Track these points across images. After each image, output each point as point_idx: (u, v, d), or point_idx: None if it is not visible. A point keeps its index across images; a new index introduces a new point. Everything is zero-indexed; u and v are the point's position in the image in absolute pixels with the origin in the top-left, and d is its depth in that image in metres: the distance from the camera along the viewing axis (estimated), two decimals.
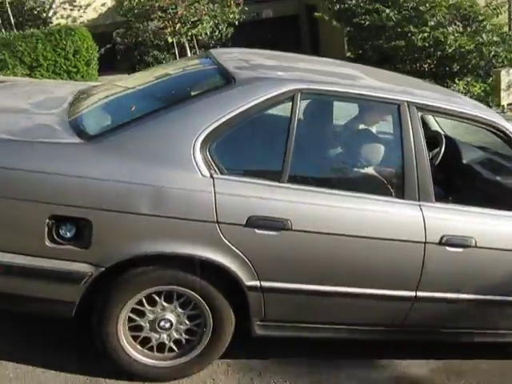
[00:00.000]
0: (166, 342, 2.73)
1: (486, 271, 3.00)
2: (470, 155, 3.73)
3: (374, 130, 3.19)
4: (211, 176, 2.55)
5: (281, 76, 2.79)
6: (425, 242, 2.82)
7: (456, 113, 3.01)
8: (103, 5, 13.03)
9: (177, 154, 2.56)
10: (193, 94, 2.83)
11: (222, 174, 2.58)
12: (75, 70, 10.34)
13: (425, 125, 4.03)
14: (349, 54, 12.14)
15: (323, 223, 2.67)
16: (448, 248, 2.87)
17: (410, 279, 2.87)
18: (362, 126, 3.25)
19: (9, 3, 10.47)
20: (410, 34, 10.32)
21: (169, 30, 11.37)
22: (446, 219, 2.90)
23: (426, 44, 10.44)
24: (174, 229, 2.52)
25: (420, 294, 2.90)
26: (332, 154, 3.06)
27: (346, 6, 11.22)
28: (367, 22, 10.64)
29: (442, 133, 3.78)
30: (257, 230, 2.57)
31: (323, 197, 2.69)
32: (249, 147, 2.78)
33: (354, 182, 2.97)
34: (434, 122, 3.85)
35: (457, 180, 3.73)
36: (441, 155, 3.62)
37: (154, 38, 11.59)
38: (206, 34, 11.36)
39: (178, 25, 11.03)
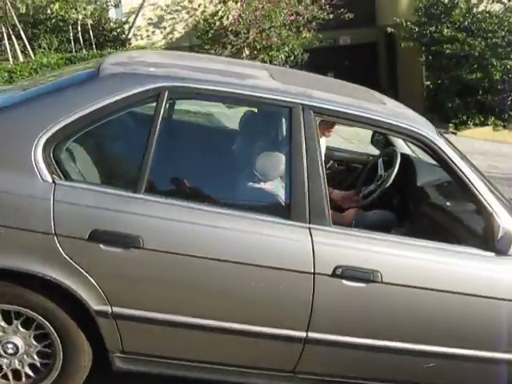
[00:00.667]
0: (20, 368, 2.42)
1: (395, 313, 2.47)
2: (425, 176, 3.22)
3: (259, 136, 2.77)
4: (53, 181, 2.26)
5: (149, 72, 2.45)
6: (313, 273, 2.36)
7: (366, 120, 2.53)
8: (182, 27, 13.21)
9: (16, 156, 2.29)
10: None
11: (66, 179, 2.28)
12: None
13: (389, 144, 3.58)
14: (428, 83, 11.52)
15: (183, 243, 2.29)
16: (345, 282, 2.38)
17: (299, 317, 2.40)
18: (245, 132, 2.83)
19: (91, 25, 10.69)
20: (489, 66, 9.68)
21: (243, 54, 11.30)
22: (343, 247, 2.41)
23: (506, 77, 9.86)
24: (10, 240, 2.25)
25: (312, 335, 2.42)
26: (205, 162, 2.67)
27: (427, 33, 10.66)
28: (448, 51, 10.03)
29: (399, 151, 3.28)
30: (102, 246, 2.24)
31: (187, 212, 2.31)
32: (102, 150, 2.47)
33: (229, 196, 2.58)
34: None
35: (409, 204, 3.22)
36: (393, 176, 3.14)
37: None
38: (280, 59, 11.13)
39: (250, 50, 10.96)
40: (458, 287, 2.48)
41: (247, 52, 11.22)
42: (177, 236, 2.29)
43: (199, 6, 11.14)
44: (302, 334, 2.41)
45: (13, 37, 9.51)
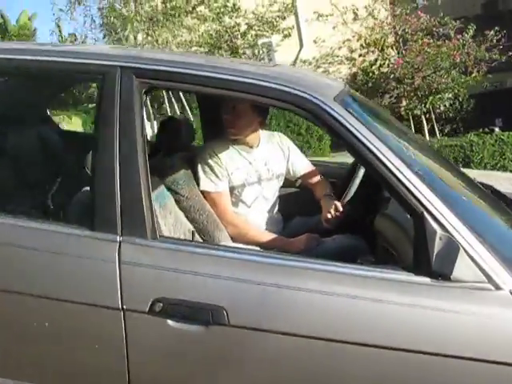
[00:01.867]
0: None
1: (251, 372, 1.61)
2: None
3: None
4: None
5: None
6: (122, 309, 1.60)
7: (215, 82, 1.74)
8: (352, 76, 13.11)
9: None
10: None
11: None
12: (307, 145, 10.28)
13: None
14: None
15: None
16: (170, 322, 1.59)
17: (115, 372, 1.65)
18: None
19: None
20: None
21: (404, 102, 10.66)
22: (169, 269, 1.64)
23: None
24: None
25: None
26: None
27: None
28: None
29: None
30: None
31: None
32: None
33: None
34: None
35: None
36: (351, 191, 2.32)
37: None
38: (444, 105, 10.33)
39: (414, 97, 10.14)
40: (359, 336, 1.56)
41: (407, 101, 10.51)
42: None
43: (359, 56, 10.68)
44: None
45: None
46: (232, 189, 2.55)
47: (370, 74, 10.54)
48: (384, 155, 1.65)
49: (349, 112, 1.71)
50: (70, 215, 1.85)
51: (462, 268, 1.59)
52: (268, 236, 2.49)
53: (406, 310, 1.58)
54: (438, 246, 1.59)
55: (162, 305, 1.59)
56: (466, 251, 1.59)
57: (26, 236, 1.71)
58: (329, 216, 2.39)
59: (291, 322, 1.59)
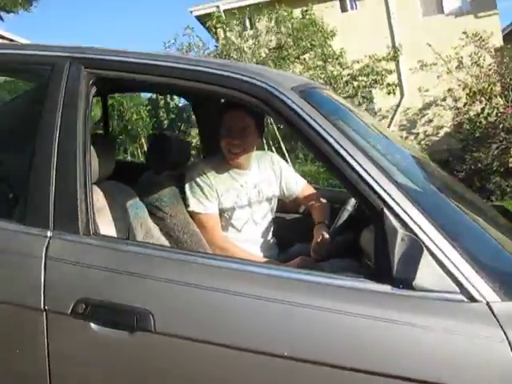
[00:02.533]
0: None
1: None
2: None
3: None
4: None
5: None
6: (44, 310, 1.46)
7: (160, 70, 1.62)
8: (436, 130, 13.01)
9: None
10: None
11: None
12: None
13: None
14: None
15: None
16: (94, 326, 1.43)
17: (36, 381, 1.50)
18: None
19: None
20: None
21: (510, 154, 10.30)
22: (97, 268, 1.48)
23: None
24: None
25: None
26: None
27: None
28: None
29: None
30: None
31: None
32: None
33: None
34: None
35: None
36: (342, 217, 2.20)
37: (496, 164, 10.33)
38: None
39: None
40: (296, 351, 1.34)
41: None
42: None
43: (464, 105, 10.29)
44: None
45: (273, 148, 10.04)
46: (222, 211, 2.39)
47: (477, 124, 9.96)
48: (340, 144, 1.45)
49: (306, 101, 1.54)
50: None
51: (427, 274, 1.34)
52: (258, 259, 2.30)
53: (351, 321, 1.34)
54: (399, 247, 1.36)
55: (84, 306, 1.44)
56: (432, 254, 1.35)
57: None
58: (316, 247, 2.19)
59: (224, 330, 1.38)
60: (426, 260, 1.34)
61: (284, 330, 1.35)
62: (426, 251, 1.35)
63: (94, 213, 1.57)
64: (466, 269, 1.35)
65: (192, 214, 2.30)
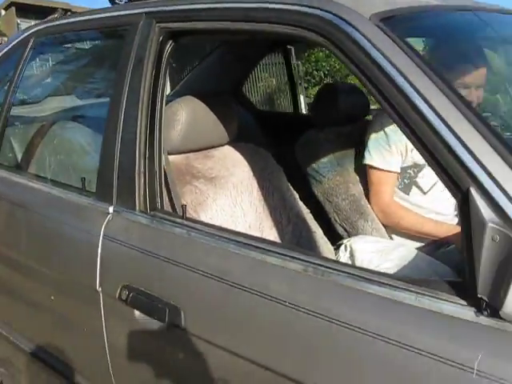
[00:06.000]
0: None
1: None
2: None
3: None
4: None
5: None
6: (99, 291, 1.38)
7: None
8: None
9: None
10: None
11: None
12: None
13: None
14: None
15: None
16: (139, 316, 1.29)
17: (98, 358, 1.44)
18: None
19: None
20: None
21: None
22: (143, 251, 1.31)
23: None
24: None
25: None
26: None
27: None
28: None
29: None
30: None
31: None
32: None
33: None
34: None
35: None
36: None
37: None
38: None
39: None
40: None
41: None
42: None
43: None
44: None
45: None
46: (407, 168, 1.99)
47: None
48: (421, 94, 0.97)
49: (386, 34, 1.07)
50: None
51: None
52: (432, 223, 1.89)
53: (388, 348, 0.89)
54: (487, 251, 0.85)
55: (127, 292, 1.29)
56: None
57: None
58: None
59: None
60: None
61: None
62: None
63: (161, 187, 1.39)
64: None
65: (369, 169, 1.97)
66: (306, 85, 9.73)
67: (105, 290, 1.35)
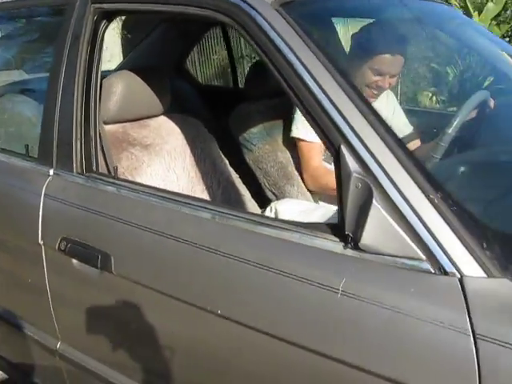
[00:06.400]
0: None
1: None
2: None
3: None
4: None
5: None
6: (41, 244, 1.54)
7: None
8: None
9: None
10: None
11: None
12: None
13: None
14: None
15: None
16: (77, 264, 1.46)
17: (43, 311, 1.61)
18: None
19: None
20: None
21: None
22: (80, 208, 1.48)
23: None
24: None
25: (61, 346, 1.58)
26: None
27: None
28: None
29: None
30: None
31: None
32: None
33: None
34: None
35: None
36: None
37: None
38: None
39: None
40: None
41: None
42: None
43: None
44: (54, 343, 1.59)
45: None
46: None
47: None
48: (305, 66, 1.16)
49: (282, 17, 1.25)
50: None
51: (380, 232, 1.02)
52: None
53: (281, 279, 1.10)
54: (352, 196, 1.06)
55: (65, 243, 1.46)
56: (392, 206, 1.02)
57: None
58: None
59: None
60: (378, 212, 1.02)
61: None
62: (381, 201, 1.02)
63: (96, 151, 1.55)
64: (443, 230, 0.99)
65: (297, 141, 2.15)
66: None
67: (46, 243, 1.51)
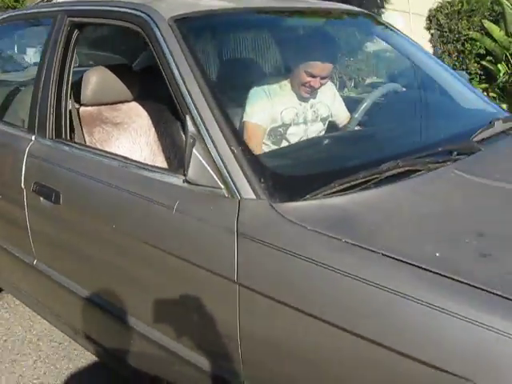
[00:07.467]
0: None
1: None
2: None
3: None
4: None
5: None
6: (22, 188, 2.19)
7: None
8: None
9: None
10: None
11: None
12: None
13: None
14: None
15: None
16: (42, 200, 2.09)
17: (25, 242, 2.26)
18: None
19: None
20: None
21: None
22: (46, 160, 2.12)
23: None
24: None
25: (37, 263, 2.25)
26: None
27: None
28: None
29: None
30: None
31: None
32: None
33: None
34: None
35: None
36: None
37: None
38: None
39: None
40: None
41: None
42: None
43: None
44: (31, 260, 2.25)
45: None
46: (277, 127, 2.67)
47: None
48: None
49: (174, 33, 1.79)
50: None
51: (199, 169, 1.57)
52: None
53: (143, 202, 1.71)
54: (189, 148, 1.61)
55: (36, 186, 2.09)
56: (207, 154, 1.56)
57: None
58: None
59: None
60: (196, 157, 1.56)
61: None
62: (200, 149, 1.56)
63: (65, 124, 2.17)
64: (233, 165, 1.52)
65: (245, 124, 2.54)
66: None
67: (26, 187, 2.15)
